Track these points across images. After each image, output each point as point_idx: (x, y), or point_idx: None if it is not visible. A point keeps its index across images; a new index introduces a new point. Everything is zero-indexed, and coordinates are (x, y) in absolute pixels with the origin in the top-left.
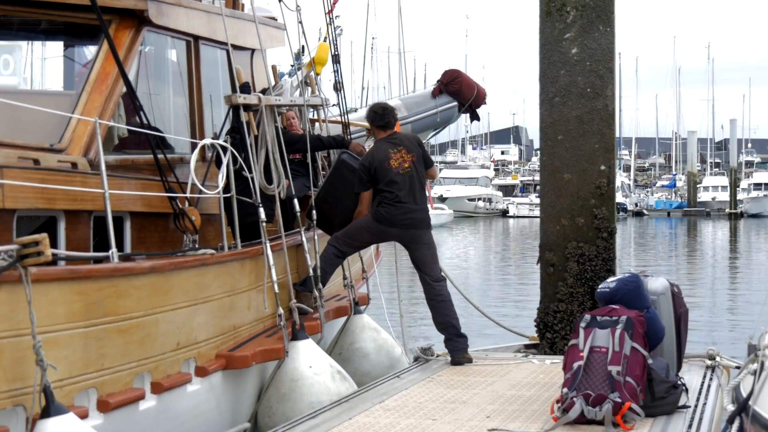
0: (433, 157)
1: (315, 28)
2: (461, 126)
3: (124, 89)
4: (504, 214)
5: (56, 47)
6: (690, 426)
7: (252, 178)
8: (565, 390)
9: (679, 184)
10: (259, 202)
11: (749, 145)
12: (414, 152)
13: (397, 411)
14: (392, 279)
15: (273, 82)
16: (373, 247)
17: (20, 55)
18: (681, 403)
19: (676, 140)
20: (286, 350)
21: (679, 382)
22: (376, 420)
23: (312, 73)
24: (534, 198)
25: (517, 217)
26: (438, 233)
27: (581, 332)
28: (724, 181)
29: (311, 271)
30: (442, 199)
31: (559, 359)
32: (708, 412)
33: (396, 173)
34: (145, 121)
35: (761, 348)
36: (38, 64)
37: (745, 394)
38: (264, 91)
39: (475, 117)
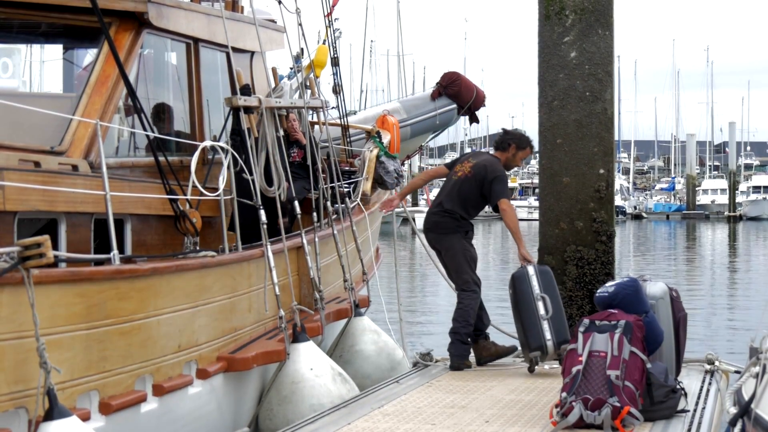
0: (431, 160)
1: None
2: (460, 129)
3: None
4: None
5: (55, 50)
6: (689, 430)
7: (252, 180)
8: (564, 394)
9: (678, 187)
10: (259, 204)
11: (748, 148)
12: (474, 170)
13: (396, 416)
14: (392, 281)
15: (273, 85)
16: (372, 249)
17: (19, 58)
18: (680, 407)
19: (675, 143)
20: (287, 352)
21: (678, 387)
22: (375, 425)
23: (311, 75)
24: (533, 201)
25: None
26: None
27: (580, 336)
28: (723, 184)
29: (314, 278)
30: None
31: (558, 364)
32: (707, 417)
33: (449, 176)
34: (145, 123)
35: (763, 351)
36: (37, 67)
37: (746, 397)
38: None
39: (474, 119)
